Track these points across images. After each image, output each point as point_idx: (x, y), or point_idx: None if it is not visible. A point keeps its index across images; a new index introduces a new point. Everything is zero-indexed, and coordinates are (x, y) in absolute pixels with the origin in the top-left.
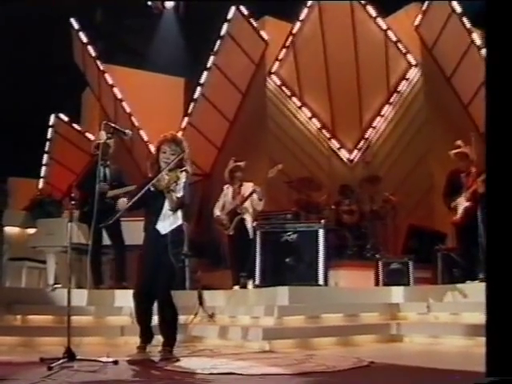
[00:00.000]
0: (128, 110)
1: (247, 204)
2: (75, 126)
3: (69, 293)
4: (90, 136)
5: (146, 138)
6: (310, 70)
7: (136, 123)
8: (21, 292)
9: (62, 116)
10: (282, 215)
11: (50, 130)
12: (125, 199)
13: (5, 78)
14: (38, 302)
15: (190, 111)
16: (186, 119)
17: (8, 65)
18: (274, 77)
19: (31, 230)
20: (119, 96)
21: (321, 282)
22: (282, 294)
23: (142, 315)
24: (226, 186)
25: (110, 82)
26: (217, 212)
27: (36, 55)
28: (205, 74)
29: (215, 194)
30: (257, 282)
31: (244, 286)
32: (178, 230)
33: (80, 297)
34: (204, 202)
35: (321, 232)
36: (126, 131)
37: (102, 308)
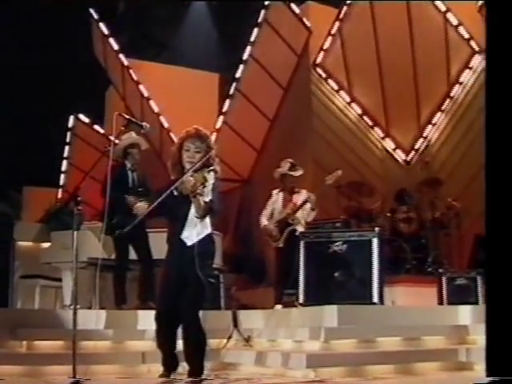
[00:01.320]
0: (156, 109)
1: (300, 214)
2: (97, 127)
3: (74, 314)
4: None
5: (175, 140)
6: (359, 60)
7: (165, 124)
8: (26, 314)
9: (82, 117)
10: (329, 224)
11: (68, 133)
12: (144, 203)
13: (14, 77)
14: (47, 325)
15: (225, 110)
16: (221, 119)
17: (19, 63)
18: (318, 69)
19: (46, 245)
20: (146, 94)
21: (375, 300)
22: (329, 313)
23: (165, 340)
24: (275, 192)
25: (136, 78)
26: (264, 221)
27: (50, 50)
28: (241, 67)
29: (255, 201)
30: (300, 299)
31: (289, 305)
32: (206, 241)
33: (97, 319)
34: (242, 211)
35: (375, 242)
36: (143, 124)
37: (121, 331)
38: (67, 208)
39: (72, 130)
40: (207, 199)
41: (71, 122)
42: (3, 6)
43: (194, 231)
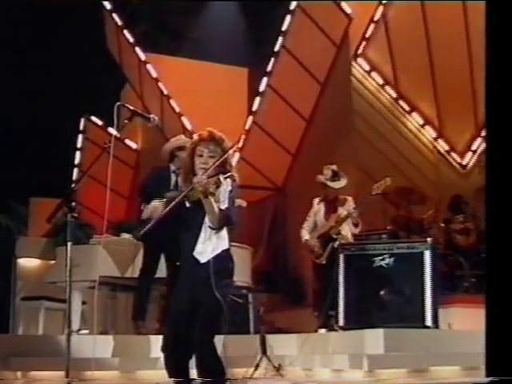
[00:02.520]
0: (178, 109)
1: (345, 226)
2: (112, 130)
3: (69, 339)
4: (131, 144)
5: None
6: (407, 50)
7: (188, 126)
8: (25, 340)
9: (95, 119)
10: (374, 236)
11: (80, 136)
12: (159, 203)
13: (17, 75)
14: (47, 353)
15: (255, 108)
16: (251, 119)
17: (24, 60)
18: (361, 61)
19: (53, 262)
20: (166, 92)
21: (428, 322)
22: (373, 338)
23: (176, 372)
24: (316, 201)
25: (154, 74)
26: (305, 235)
27: (59, 46)
28: (272, 60)
29: (290, 212)
30: (340, 322)
31: (334, 329)
32: (223, 257)
33: (104, 345)
34: (275, 223)
35: (427, 255)
36: (151, 116)
37: (132, 360)
38: (77, 220)
39: (84, 134)
40: (223, 207)
41: (82, 124)
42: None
43: (209, 246)
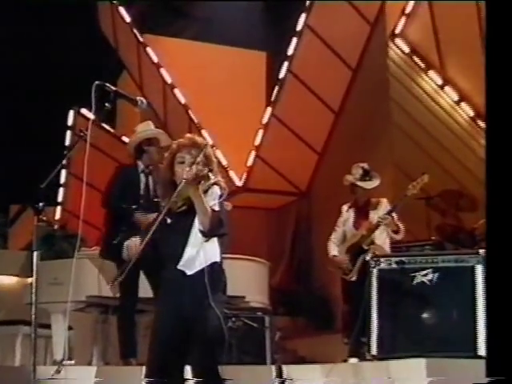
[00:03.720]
0: (183, 100)
1: (380, 235)
2: (106, 126)
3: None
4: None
5: (210, 140)
6: (455, 29)
7: (195, 120)
8: None
9: (86, 112)
10: (415, 247)
11: (68, 133)
12: (137, 239)
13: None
14: None
15: (274, 99)
16: (269, 111)
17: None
18: (399, 41)
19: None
20: (169, 81)
21: (481, 351)
22: (414, 369)
23: None
24: (345, 208)
25: (155, 59)
26: (333, 250)
27: (42, 24)
28: (294, 41)
29: (316, 220)
30: (372, 350)
31: (367, 359)
32: (215, 269)
33: (87, 377)
34: (299, 233)
35: (479, 269)
36: (138, 98)
37: None
38: (64, 231)
39: (72, 130)
40: (216, 208)
41: (71, 118)
42: None
43: (198, 257)
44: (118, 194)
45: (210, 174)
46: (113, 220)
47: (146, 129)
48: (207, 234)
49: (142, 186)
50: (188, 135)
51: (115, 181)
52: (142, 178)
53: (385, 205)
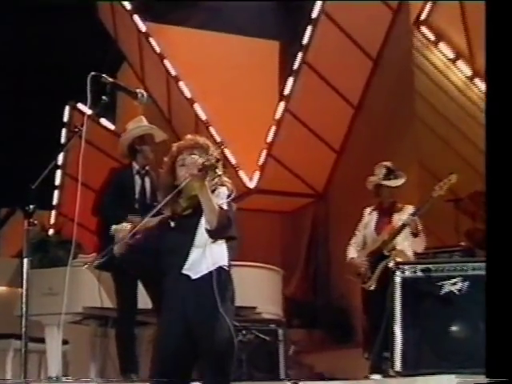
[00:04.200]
0: (188, 94)
1: (402, 241)
2: (104, 122)
3: None
4: None
5: (218, 138)
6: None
7: (202, 116)
8: None
9: (83, 107)
10: (443, 253)
11: (63, 130)
12: (127, 225)
13: None
14: None
15: (287, 92)
16: (283, 105)
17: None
18: (424, 29)
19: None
20: (174, 73)
21: None
22: None
23: None
24: (367, 211)
25: (158, 50)
26: (352, 252)
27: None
28: (309, 30)
29: (334, 224)
30: (397, 366)
31: (390, 375)
32: (222, 275)
33: None
34: (315, 238)
35: None
36: (137, 91)
37: None
38: (59, 236)
39: (68, 127)
40: (224, 207)
41: (67, 114)
42: None
43: (204, 259)
44: (109, 200)
45: (218, 167)
46: (105, 228)
47: (138, 125)
48: (214, 234)
49: (138, 188)
50: (189, 136)
51: (106, 186)
52: (137, 180)
53: (410, 210)
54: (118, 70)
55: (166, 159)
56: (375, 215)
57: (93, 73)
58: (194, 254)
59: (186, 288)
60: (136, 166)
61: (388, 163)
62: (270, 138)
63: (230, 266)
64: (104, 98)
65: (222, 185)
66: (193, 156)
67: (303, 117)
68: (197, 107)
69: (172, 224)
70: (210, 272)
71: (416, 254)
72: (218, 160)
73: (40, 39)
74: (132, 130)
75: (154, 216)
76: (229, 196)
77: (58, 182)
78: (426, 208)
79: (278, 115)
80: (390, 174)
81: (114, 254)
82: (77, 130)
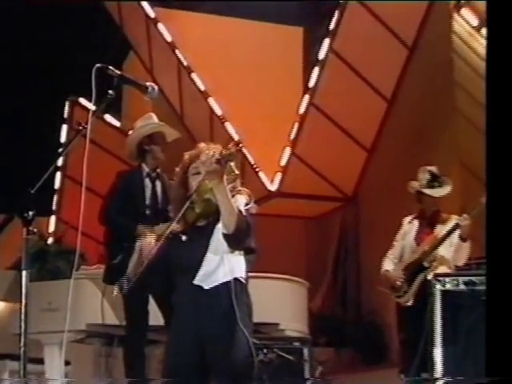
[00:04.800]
0: (202, 86)
1: (445, 252)
2: (108, 118)
3: None
4: None
5: (235, 136)
6: None
7: (217, 111)
8: None
9: (85, 102)
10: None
11: (64, 127)
12: (152, 238)
13: None
14: None
15: (312, 84)
16: (307, 99)
17: None
18: (466, 12)
19: None
20: (185, 62)
21: None
22: None
23: None
24: (407, 219)
25: (169, 38)
26: (387, 265)
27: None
28: (336, 14)
29: (365, 232)
30: None
31: None
32: (238, 284)
33: None
34: (344, 246)
35: None
36: (148, 84)
37: None
38: (59, 246)
39: (69, 124)
40: (242, 208)
41: (67, 109)
42: None
43: (218, 269)
44: (116, 206)
45: (236, 159)
46: (113, 237)
47: (147, 122)
48: (232, 239)
49: (148, 193)
50: (202, 144)
51: (113, 191)
52: (148, 183)
53: (455, 218)
54: (123, 61)
55: (177, 170)
56: (416, 224)
57: (98, 65)
58: (208, 263)
59: (198, 300)
60: (146, 169)
61: (433, 168)
62: (293, 136)
63: (246, 278)
64: (111, 92)
65: (239, 193)
66: (208, 152)
67: (330, 111)
68: (211, 101)
69: (183, 238)
70: (226, 283)
71: (458, 266)
72: (236, 152)
73: (36, 26)
74: (140, 128)
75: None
76: (247, 205)
77: (57, 185)
78: (474, 213)
79: (302, 110)
80: (433, 180)
81: (129, 276)
82: (80, 128)
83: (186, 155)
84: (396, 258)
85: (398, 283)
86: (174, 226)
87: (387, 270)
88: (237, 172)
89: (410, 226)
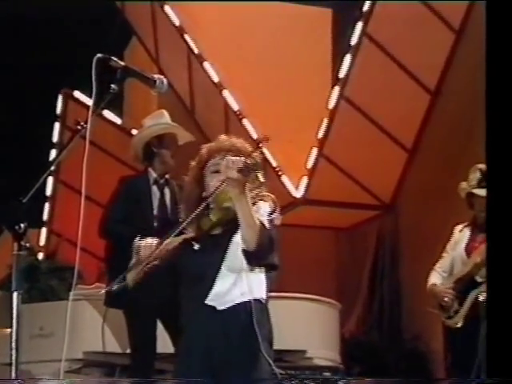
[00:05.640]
0: (216, 77)
1: None
2: (108, 114)
3: None
4: None
5: (253, 134)
6: None
7: (234, 105)
8: None
9: (80, 96)
10: None
11: (56, 125)
12: (152, 240)
13: None
14: None
15: (343, 74)
16: (337, 91)
17: None
18: None
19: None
20: (196, 50)
21: None
22: None
23: None
24: (458, 228)
25: (177, 22)
26: (435, 278)
27: None
28: None
29: (406, 243)
30: None
31: None
32: (258, 305)
33: None
34: (381, 261)
35: None
36: (154, 77)
37: None
38: (52, 262)
39: (62, 121)
40: (265, 220)
41: (60, 104)
42: None
43: (234, 288)
44: (119, 217)
45: (261, 170)
46: (115, 252)
47: (158, 122)
48: (253, 257)
49: (156, 202)
50: (223, 137)
51: (116, 199)
52: (155, 191)
53: None
54: (124, 49)
55: (192, 164)
56: (467, 233)
57: (99, 55)
58: (223, 280)
59: (210, 323)
60: (153, 174)
61: (483, 166)
62: (321, 134)
63: (267, 298)
64: (113, 86)
65: (263, 199)
66: (230, 157)
67: (364, 105)
68: (227, 94)
69: (196, 247)
70: (243, 303)
71: None
72: (258, 182)
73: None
74: (150, 127)
75: (176, 235)
76: (271, 214)
77: (48, 191)
78: None
79: (331, 104)
80: (484, 179)
81: (127, 283)
82: (79, 127)
83: (204, 148)
84: (445, 271)
85: (447, 300)
86: (184, 231)
87: (434, 284)
88: (262, 180)
89: (460, 235)
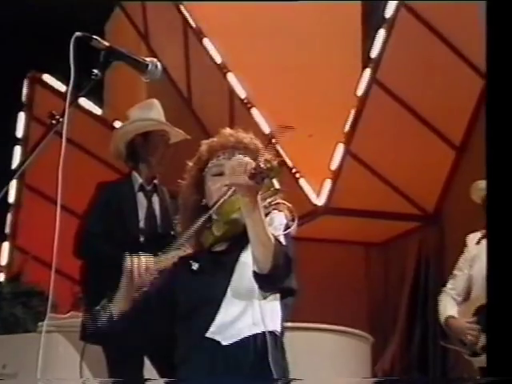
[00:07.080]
0: (219, 57)
1: None
2: (85, 103)
3: None
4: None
5: (264, 127)
6: None
7: (240, 92)
8: None
9: (52, 80)
10: None
11: (21, 115)
12: (141, 258)
13: None
14: None
15: (376, 53)
16: (369, 74)
17: None
18: None
19: None
20: (194, 24)
21: None
22: None
23: None
24: (473, 239)
25: None
26: (449, 308)
27: None
28: None
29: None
30: None
31: None
32: (273, 338)
33: None
34: (422, 283)
35: None
36: (148, 60)
37: None
38: (16, 285)
39: (28, 111)
40: (281, 237)
41: (25, 91)
42: None
43: (242, 319)
44: (97, 231)
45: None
46: (93, 274)
47: (145, 116)
48: (266, 281)
49: (143, 213)
50: (227, 130)
51: (93, 209)
52: (142, 199)
53: None
54: (105, 21)
55: (190, 165)
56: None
57: (78, 33)
58: (228, 308)
59: (212, 360)
60: (139, 179)
61: None
62: (348, 127)
63: (283, 330)
64: (95, 72)
65: (277, 209)
66: (238, 157)
67: (401, 92)
68: (231, 78)
69: (195, 266)
70: (253, 337)
71: None
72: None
73: None
74: (133, 122)
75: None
76: (287, 227)
77: (11, 198)
78: None
79: (360, 90)
80: None
81: (111, 312)
82: (54, 121)
83: (204, 145)
84: (459, 294)
85: (470, 338)
86: (181, 247)
87: (452, 317)
88: (277, 187)
89: (478, 249)
